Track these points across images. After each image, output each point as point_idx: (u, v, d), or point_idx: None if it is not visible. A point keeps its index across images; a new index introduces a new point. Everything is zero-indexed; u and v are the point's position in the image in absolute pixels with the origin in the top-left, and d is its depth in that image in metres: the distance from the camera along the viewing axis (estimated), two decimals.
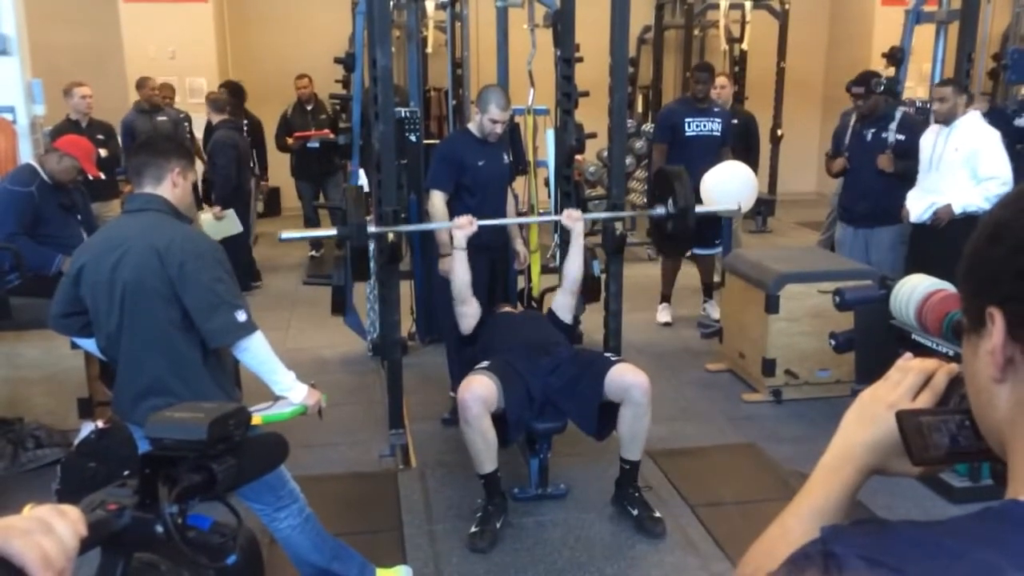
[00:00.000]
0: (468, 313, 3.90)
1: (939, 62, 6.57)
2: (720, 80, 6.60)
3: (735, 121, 6.60)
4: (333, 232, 4.03)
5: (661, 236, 4.15)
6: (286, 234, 3.92)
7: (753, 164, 6.79)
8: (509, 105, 4.36)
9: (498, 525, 3.46)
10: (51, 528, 0.71)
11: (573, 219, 3.94)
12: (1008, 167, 4.70)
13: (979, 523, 0.68)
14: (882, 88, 5.27)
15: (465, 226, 3.82)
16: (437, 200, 4.34)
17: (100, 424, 3.72)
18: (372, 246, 4.13)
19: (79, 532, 0.73)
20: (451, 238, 4.30)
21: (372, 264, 4.48)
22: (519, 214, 5.23)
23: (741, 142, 6.67)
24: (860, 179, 5.38)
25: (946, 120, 4.80)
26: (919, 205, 4.88)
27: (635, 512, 3.54)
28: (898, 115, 5.32)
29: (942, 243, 4.63)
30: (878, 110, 5.31)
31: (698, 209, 4.01)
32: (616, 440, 3.58)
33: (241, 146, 6.84)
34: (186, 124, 7.82)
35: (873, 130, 5.33)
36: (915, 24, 6.65)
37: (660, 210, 4.03)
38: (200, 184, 7.20)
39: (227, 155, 6.55)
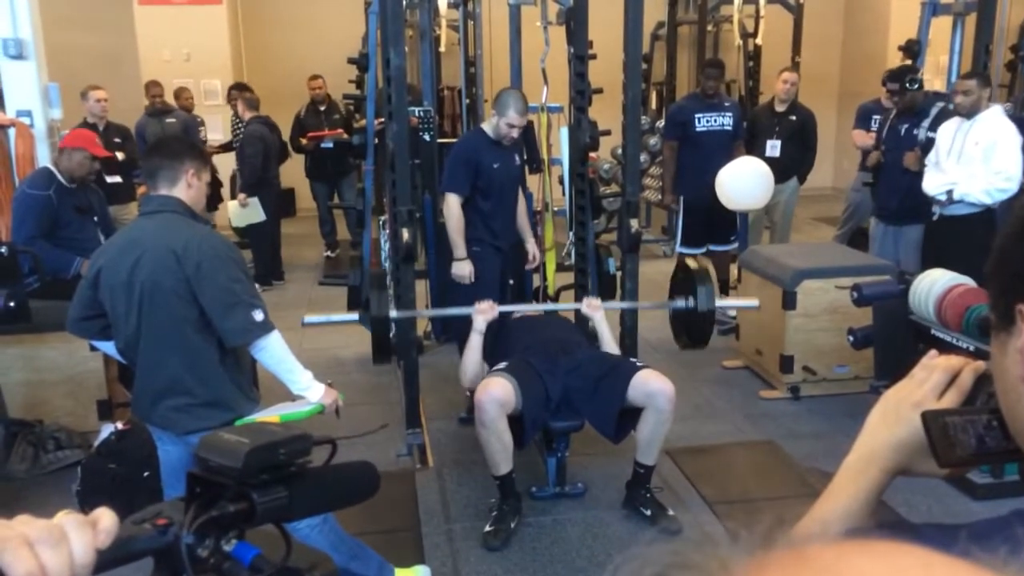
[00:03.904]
0: (474, 381, 3.71)
1: (956, 54, 6.49)
2: (788, 76, 6.43)
3: (792, 118, 6.46)
4: (355, 317, 4.07)
5: (679, 327, 4.13)
6: (309, 318, 4.02)
7: (808, 164, 6.56)
8: (527, 110, 4.34)
9: (512, 525, 3.46)
10: (63, 539, 0.65)
11: (593, 308, 3.85)
12: (1018, 166, 4.59)
13: (1006, 526, 0.67)
14: (917, 85, 5.20)
15: (486, 311, 3.72)
16: (453, 203, 4.30)
17: (119, 426, 3.74)
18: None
19: (97, 545, 0.68)
20: (466, 249, 4.30)
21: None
22: (534, 214, 5.22)
23: (797, 139, 6.41)
24: (892, 175, 5.32)
25: (969, 113, 4.69)
26: (935, 183, 4.80)
27: (648, 512, 3.53)
28: (933, 111, 5.23)
29: (957, 238, 4.58)
30: (916, 105, 5.25)
31: (718, 303, 3.98)
32: (633, 439, 3.57)
33: (268, 140, 7.19)
34: (201, 128, 7.95)
35: (907, 125, 5.27)
36: (932, 16, 6.58)
37: (680, 303, 3.96)
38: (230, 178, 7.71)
39: (255, 147, 7.02)
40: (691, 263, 4.02)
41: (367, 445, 4.23)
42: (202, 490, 0.81)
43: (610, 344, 3.84)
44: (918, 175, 5.10)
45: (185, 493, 0.81)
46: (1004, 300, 0.70)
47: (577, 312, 4.45)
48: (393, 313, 3.85)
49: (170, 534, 0.77)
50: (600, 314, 3.84)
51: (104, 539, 0.69)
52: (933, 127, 5.14)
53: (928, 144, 5.11)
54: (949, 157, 4.78)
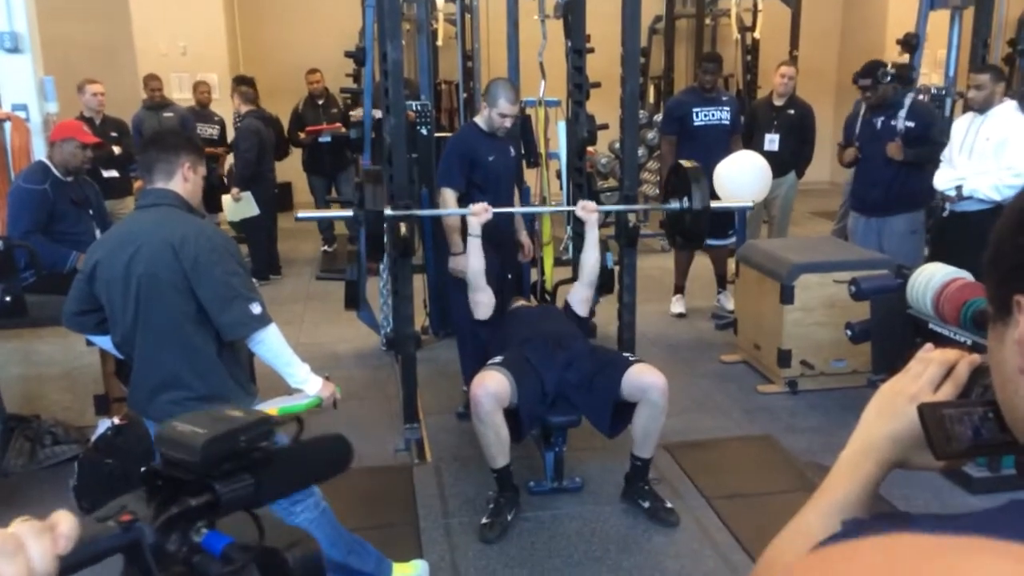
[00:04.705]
0: (482, 301, 3.88)
1: (954, 48, 6.49)
2: (786, 70, 6.40)
3: (791, 112, 6.43)
4: (349, 213, 4.07)
5: (675, 230, 4.13)
6: (302, 213, 4.08)
7: (806, 158, 6.54)
8: (518, 98, 4.32)
9: (509, 517, 3.46)
10: (20, 548, 0.63)
11: (588, 210, 3.88)
12: None
13: (1004, 516, 0.67)
14: (889, 78, 5.22)
15: (480, 213, 3.78)
16: (449, 199, 4.29)
17: (116, 420, 3.73)
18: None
19: (57, 551, 0.65)
20: (461, 235, 4.29)
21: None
22: (531, 206, 5.21)
23: (796, 134, 6.39)
24: (871, 168, 5.34)
25: (982, 108, 4.68)
26: (945, 179, 4.80)
27: (647, 505, 3.53)
28: (907, 102, 5.27)
29: (967, 234, 4.57)
30: (887, 98, 5.27)
31: (713, 204, 3.96)
32: (630, 433, 3.56)
33: (263, 134, 7.19)
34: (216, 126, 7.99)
35: (883, 118, 5.28)
36: (929, 10, 6.57)
37: (675, 204, 3.99)
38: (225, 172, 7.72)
39: (249, 141, 7.03)
40: (685, 164, 4.03)
41: (365, 439, 4.25)
42: (163, 483, 0.77)
43: (592, 249, 3.86)
44: (901, 165, 5.13)
45: (144, 489, 0.77)
46: (1002, 291, 0.70)
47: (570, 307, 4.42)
48: (388, 211, 3.84)
49: (134, 531, 0.73)
50: (594, 217, 3.88)
51: (64, 544, 0.66)
52: (910, 117, 5.20)
53: (908, 133, 5.17)
54: (961, 152, 4.77)
